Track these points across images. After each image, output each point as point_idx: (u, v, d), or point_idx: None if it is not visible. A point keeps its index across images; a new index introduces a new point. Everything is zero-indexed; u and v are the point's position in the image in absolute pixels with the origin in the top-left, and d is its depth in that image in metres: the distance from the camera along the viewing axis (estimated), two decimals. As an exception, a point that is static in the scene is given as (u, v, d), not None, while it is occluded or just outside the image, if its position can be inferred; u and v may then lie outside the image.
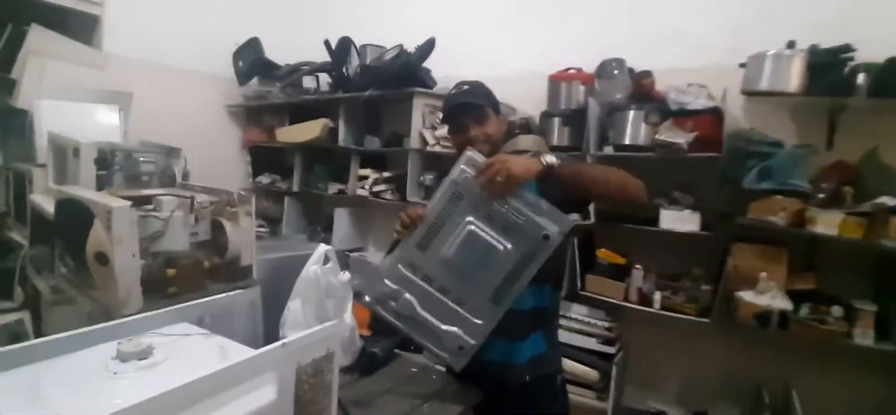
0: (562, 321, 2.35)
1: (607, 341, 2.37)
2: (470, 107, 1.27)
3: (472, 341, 1.12)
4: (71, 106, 2.06)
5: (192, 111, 3.31)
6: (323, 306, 1.48)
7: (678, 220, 2.13)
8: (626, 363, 2.48)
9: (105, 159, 1.61)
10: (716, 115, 2.04)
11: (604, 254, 2.37)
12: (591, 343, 2.38)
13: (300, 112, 3.27)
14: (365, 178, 3.01)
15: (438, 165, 2.90)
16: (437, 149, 2.71)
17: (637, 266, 2.30)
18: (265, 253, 2.03)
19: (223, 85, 3.49)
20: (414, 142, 2.78)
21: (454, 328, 1.13)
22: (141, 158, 1.70)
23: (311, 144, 3.17)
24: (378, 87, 2.76)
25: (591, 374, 2.35)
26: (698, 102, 2.08)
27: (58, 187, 1.43)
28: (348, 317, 1.55)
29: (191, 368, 0.84)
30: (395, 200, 2.92)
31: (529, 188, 1.11)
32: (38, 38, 2.35)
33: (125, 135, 2.34)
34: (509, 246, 1.09)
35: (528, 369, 1.28)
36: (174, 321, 1.07)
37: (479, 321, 1.11)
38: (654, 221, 2.18)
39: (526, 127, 2.48)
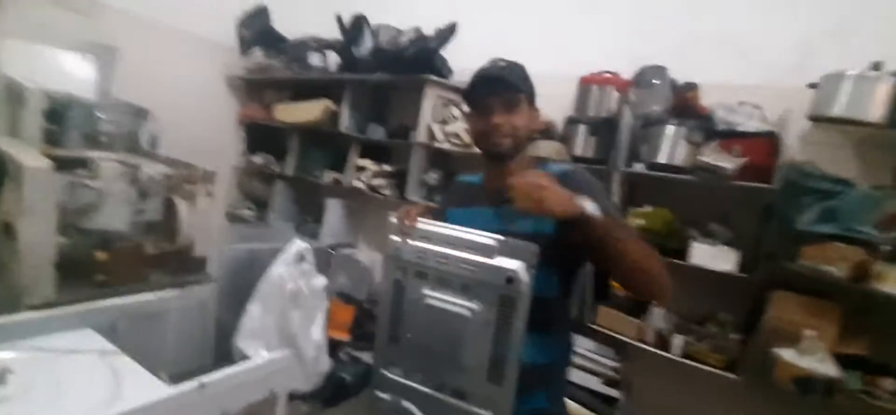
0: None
1: (611, 383, 2.11)
2: (501, 84, 1.03)
3: None
4: (40, 50, 1.83)
5: (187, 76, 3.07)
6: (286, 317, 1.23)
7: (712, 256, 1.85)
8: (631, 411, 2.20)
9: (57, 112, 1.38)
10: (770, 140, 1.76)
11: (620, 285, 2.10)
12: (594, 382, 2.11)
13: (303, 91, 3.03)
14: (364, 169, 2.75)
15: (445, 163, 2.65)
16: (446, 146, 2.46)
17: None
18: (239, 241, 1.79)
19: (224, 53, 3.25)
20: (421, 135, 2.52)
21: None
22: (100, 116, 1.47)
23: (309, 127, 2.93)
24: (389, 71, 2.50)
25: (589, 417, 2.09)
26: (751, 124, 1.81)
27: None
28: (317, 332, 1.30)
29: (55, 411, 0.59)
30: (394, 197, 2.66)
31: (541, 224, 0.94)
32: (18, -26, 2.13)
33: (103, 91, 2.11)
34: (476, 306, 0.88)
35: None
36: (74, 326, 0.82)
37: (488, 413, 0.88)
38: (682, 254, 1.91)
39: (547, 132, 2.22)
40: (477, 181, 1.21)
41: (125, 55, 2.40)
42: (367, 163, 2.76)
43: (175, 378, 0.72)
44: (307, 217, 3.16)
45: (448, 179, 2.54)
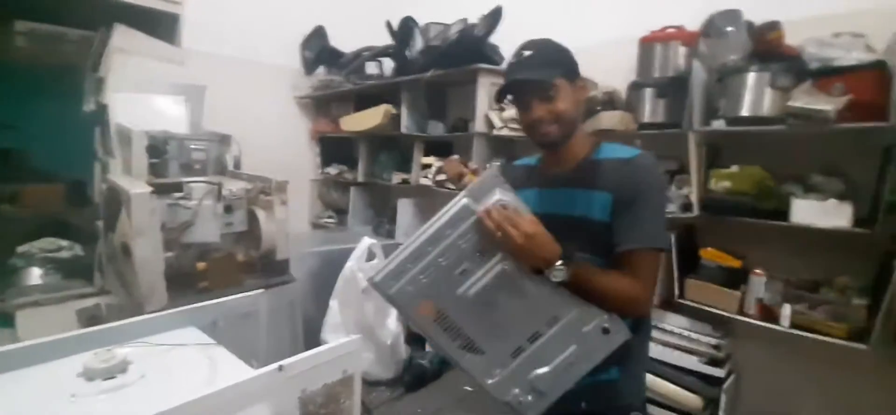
0: (654, 333, 1.96)
1: (714, 362, 1.94)
2: (532, 77, 1.00)
3: (602, 316, 0.92)
4: (139, 98, 2.10)
5: (264, 103, 3.36)
6: (362, 310, 1.30)
7: (819, 212, 1.63)
8: (737, 390, 2.01)
9: (157, 147, 1.58)
10: (879, 71, 1.51)
11: (711, 254, 1.93)
12: (692, 362, 1.96)
13: (365, 99, 3.16)
14: (429, 166, 2.81)
15: (507, 149, 2.62)
16: (505, 132, 2.43)
17: (757, 270, 1.82)
18: (318, 245, 1.92)
19: (293, 76, 3.51)
20: (479, 125, 2.52)
21: (574, 340, 0.92)
22: (192, 146, 1.66)
23: (374, 132, 3.05)
24: (439, 66, 2.53)
25: (691, 399, 1.94)
26: (852, 56, 1.56)
27: (106, 176, 1.41)
28: (392, 323, 1.36)
29: (162, 392, 0.68)
30: (460, 190, 2.68)
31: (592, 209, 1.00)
32: (121, 36, 2.46)
33: (194, 125, 2.38)
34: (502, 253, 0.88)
35: (586, 395, 1.02)
36: (179, 326, 0.94)
37: (578, 308, 0.92)
38: (783, 214, 1.70)
39: (609, 102, 2.10)
40: (533, 163, 1.20)
41: (211, 91, 2.69)
42: (431, 160, 2.82)
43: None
44: (382, 219, 3.29)
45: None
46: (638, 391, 1.09)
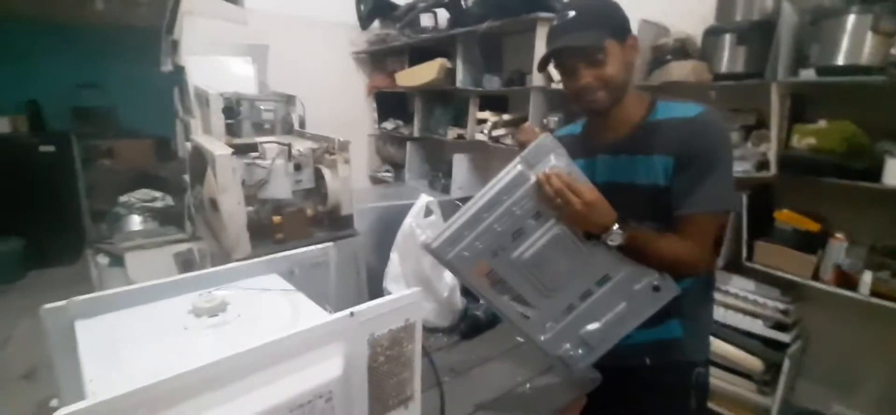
0: (717, 295, 1.90)
1: (779, 326, 1.87)
2: (576, 43, 0.92)
3: (653, 274, 0.93)
4: (212, 60, 2.24)
5: (322, 60, 3.45)
6: (420, 263, 1.37)
7: (918, 173, 1.47)
8: (803, 356, 1.93)
9: (232, 108, 1.70)
10: None
11: (786, 216, 1.80)
12: (757, 326, 1.90)
13: (419, 53, 3.15)
14: (484, 121, 2.79)
15: (566, 103, 2.53)
16: (564, 86, 2.34)
17: (838, 235, 1.69)
18: (377, 200, 2.02)
19: (349, 32, 3.54)
20: (537, 79, 2.44)
21: (624, 298, 0.94)
22: (261, 107, 1.76)
23: (429, 87, 3.05)
24: (496, 16, 2.45)
25: (752, 362, 1.89)
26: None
27: (190, 136, 1.55)
28: (448, 276, 1.42)
29: (255, 331, 0.78)
30: (516, 145, 2.65)
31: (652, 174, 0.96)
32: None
33: (261, 84, 2.51)
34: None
35: (649, 351, 1.04)
36: (263, 272, 1.05)
37: (629, 267, 0.93)
38: (875, 174, 1.54)
39: (681, 50, 1.95)
40: (578, 131, 1.15)
41: (272, 50, 2.80)
42: (486, 115, 2.79)
43: (338, 311, 0.87)
44: (437, 173, 3.35)
45: (570, 119, 2.44)
46: (701, 350, 1.08)
